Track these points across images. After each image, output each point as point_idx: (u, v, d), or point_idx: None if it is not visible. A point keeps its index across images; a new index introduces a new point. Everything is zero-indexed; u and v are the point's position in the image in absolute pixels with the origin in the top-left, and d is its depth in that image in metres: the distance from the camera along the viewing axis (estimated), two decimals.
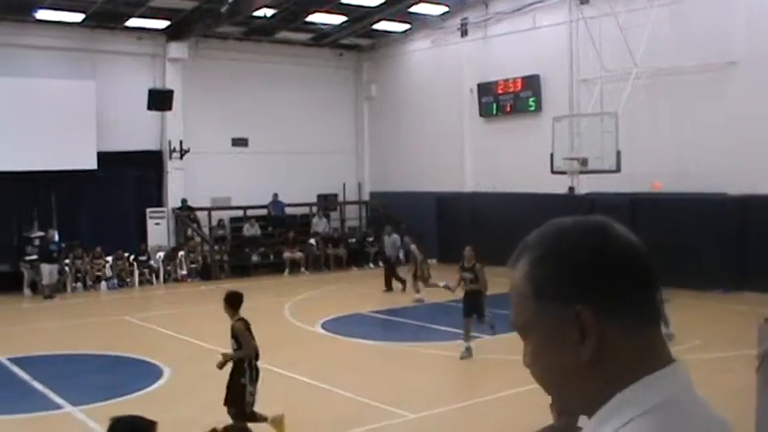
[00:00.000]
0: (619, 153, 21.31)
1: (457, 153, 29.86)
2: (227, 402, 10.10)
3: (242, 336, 10.10)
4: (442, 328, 17.69)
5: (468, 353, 14.52)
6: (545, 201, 23.68)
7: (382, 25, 30.80)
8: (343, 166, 33.44)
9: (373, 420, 11.16)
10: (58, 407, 12.05)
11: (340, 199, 33.36)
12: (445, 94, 30.08)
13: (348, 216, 33.35)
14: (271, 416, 10.23)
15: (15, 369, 14.62)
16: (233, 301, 10.37)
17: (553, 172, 23.27)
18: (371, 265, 29.76)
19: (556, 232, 1.65)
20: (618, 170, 21.39)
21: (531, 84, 27.22)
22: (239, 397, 10.05)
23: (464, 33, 29.36)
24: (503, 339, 14.79)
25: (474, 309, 14.77)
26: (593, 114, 22.73)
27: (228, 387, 10.16)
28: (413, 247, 23.52)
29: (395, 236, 25.13)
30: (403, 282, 23.52)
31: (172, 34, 28.95)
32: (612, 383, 1.55)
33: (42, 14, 26.20)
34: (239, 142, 31.16)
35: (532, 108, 27.25)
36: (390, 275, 24.05)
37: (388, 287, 23.90)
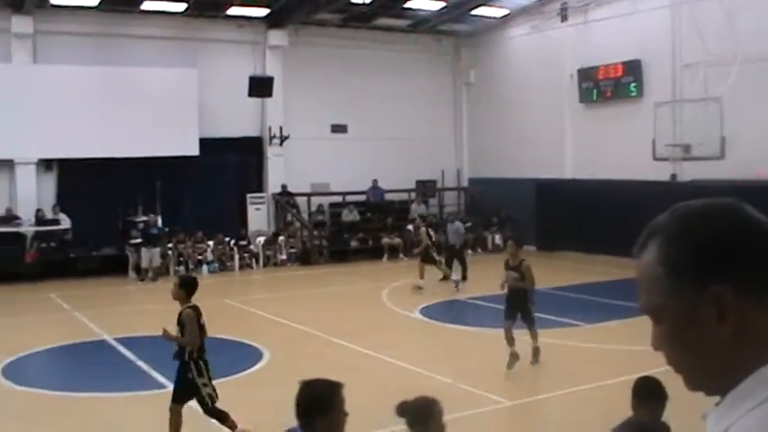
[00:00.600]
0: (723, 139, 20.84)
1: (556, 139, 29.49)
2: (176, 399, 9.69)
3: (189, 324, 9.48)
4: (544, 315, 17.49)
5: (513, 359, 13.01)
6: (646, 188, 23.21)
7: (481, 11, 30.54)
8: (442, 153, 33.34)
9: (470, 406, 11.12)
10: (162, 386, 12.29)
11: (438, 185, 33.30)
12: (545, 80, 29.72)
13: (446, 202, 33.29)
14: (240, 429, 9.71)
15: (121, 348, 15.03)
16: (187, 286, 9.77)
17: (655, 159, 22.88)
18: (470, 252, 29.68)
19: (686, 214, 1.64)
20: (722, 157, 20.89)
21: (633, 69, 26.68)
22: (196, 394, 9.57)
23: (564, 18, 28.95)
24: (603, 329, 14.62)
25: (517, 309, 13.43)
26: (697, 100, 22.24)
27: (179, 384, 9.71)
28: (422, 230, 23.16)
29: (458, 223, 24.30)
30: (463, 271, 22.75)
31: (272, 22, 29.27)
32: (750, 361, 1.54)
33: (147, 5, 26.88)
34: (338, 128, 31.35)
35: (633, 93, 26.72)
36: (450, 263, 22.92)
37: (445, 276, 22.64)
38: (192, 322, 9.48)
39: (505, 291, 13.49)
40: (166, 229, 26.71)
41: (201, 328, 9.68)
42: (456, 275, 22.11)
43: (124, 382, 12.62)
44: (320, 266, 27.15)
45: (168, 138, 27.21)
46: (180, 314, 9.59)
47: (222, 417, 9.62)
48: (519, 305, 13.25)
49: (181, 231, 26.89)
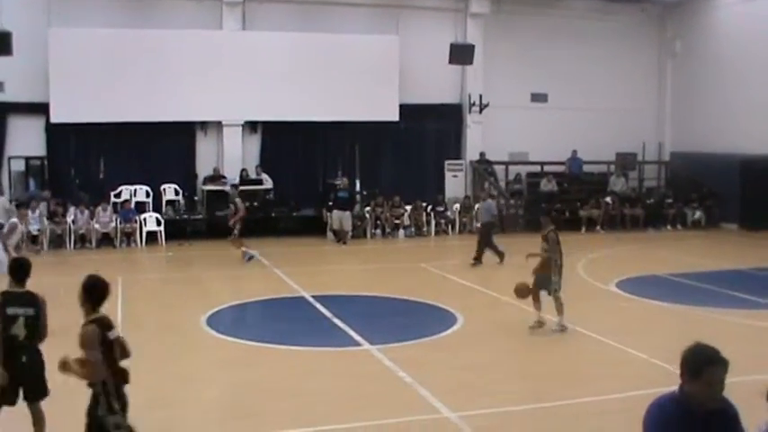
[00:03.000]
0: None
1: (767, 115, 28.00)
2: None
3: (89, 347, 6.49)
4: (745, 296, 16.75)
5: (536, 324, 13.39)
6: None
7: None
8: (643, 125, 32.21)
9: (662, 383, 10.72)
10: (357, 344, 12.56)
11: (639, 158, 32.34)
12: (757, 53, 28.17)
13: (647, 176, 32.35)
14: None
15: (319, 306, 15.41)
16: (92, 292, 6.73)
17: None
18: (669, 227, 28.79)
19: None
20: None
21: None
22: None
23: None
24: None
25: (542, 284, 13.46)
26: None
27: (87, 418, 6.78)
28: (238, 200, 22.02)
29: (489, 201, 22.82)
30: (500, 255, 21.15)
31: None
32: None
33: None
34: (538, 98, 30.91)
35: None
36: (483, 244, 21.30)
37: (478, 259, 21.06)
38: (91, 343, 6.51)
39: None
40: (364, 193, 27.26)
41: (111, 349, 6.70)
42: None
43: (320, 338, 12.95)
44: (515, 235, 26.90)
45: (369, 103, 27.67)
46: (80, 336, 6.57)
47: None
48: (543, 280, 13.48)
49: (379, 195, 27.30)
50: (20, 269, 7.90)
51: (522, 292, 13.52)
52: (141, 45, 26.42)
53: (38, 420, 7.93)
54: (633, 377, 10.71)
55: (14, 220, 13.18)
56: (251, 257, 21.15)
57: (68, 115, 25.85)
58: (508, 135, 29.60)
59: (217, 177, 27.00)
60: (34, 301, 7.76)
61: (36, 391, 7.86)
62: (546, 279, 13.44)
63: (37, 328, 7.74)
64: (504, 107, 29.54)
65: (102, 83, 25.91)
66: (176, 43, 26.65)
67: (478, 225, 22.13)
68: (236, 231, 21.41)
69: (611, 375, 10.95)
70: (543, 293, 13.54)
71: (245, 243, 21.47)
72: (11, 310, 7.64)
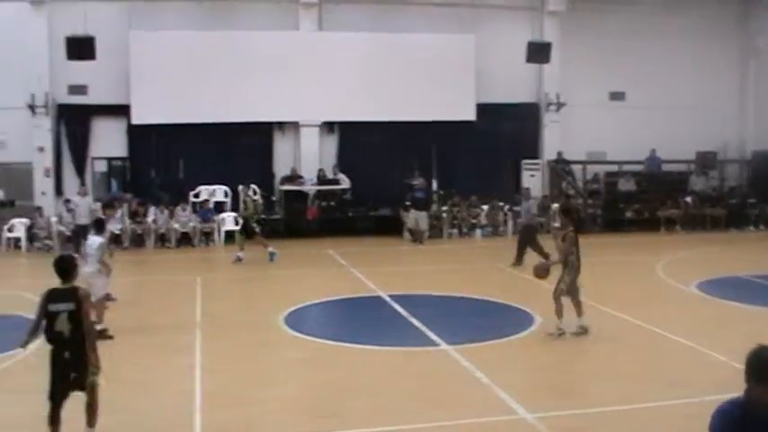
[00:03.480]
0: None
1: None
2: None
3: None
4: None
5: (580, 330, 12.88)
6: None
7: None
8: (724, 123, 31.47)
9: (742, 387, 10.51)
10: (434, 343, 12.53)
11: (720, 157, 31.71)
12: None
13: (728, 175, 31.73)
14: None
15: (396, 305, 15.45)
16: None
17: None
18: (752, 228, 28.23)
19: None
20: None
21: None
22: None
23: None
24: None
25: (573, 291, 13.12)
26: None
27: None
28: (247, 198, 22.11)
29: (530, 202, 22.24)
30: (544, 255, 19.55)
31: None
32: None
33: None
34: (616, 96, 30.60)
35: None
36: (522, 245, 20.90)
37: (518, 260, 20.63)
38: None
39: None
40: (441, 193, 27.29)
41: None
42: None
43: (397, 337, 12.95)
44: (593, 235, 26.68)
45: (445, 103, 27.77)
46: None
47: None
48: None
49: (455, 195, 27.30)
50: (60, 266, 7.97)
51: (539, 270, 13.54)
52: (219, 47, 26.97)
53: (88, 407, 8.02)
54: (714, 380, 10.50)
55: (102, 241, 13.46)
56: (239, 259, 21.24)
57: (149, 117, 26.50)
58: (586, 134, 29.36)
59: (294, 177, 27.31)
60: (75, 296, 7.80)
61: (78, 384, 7.90)
62: (573, 284, 13.07)
63: (80, 323, 7.74)
64: (581, 106, 29.36)
65: (182, 85, 26.47)
66: (254, 45, 27.13)
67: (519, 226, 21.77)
68: (257, 230, 21.81)
69: (691, 378, 10.76)
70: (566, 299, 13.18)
71: (265, 242, 21.72)
72: (52, 307, 7.72)
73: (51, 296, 7.80)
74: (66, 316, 7.68)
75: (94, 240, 13.46)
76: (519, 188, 28.65)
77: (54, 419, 7.77)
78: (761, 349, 4.57)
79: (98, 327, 13.33)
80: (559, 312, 12.88)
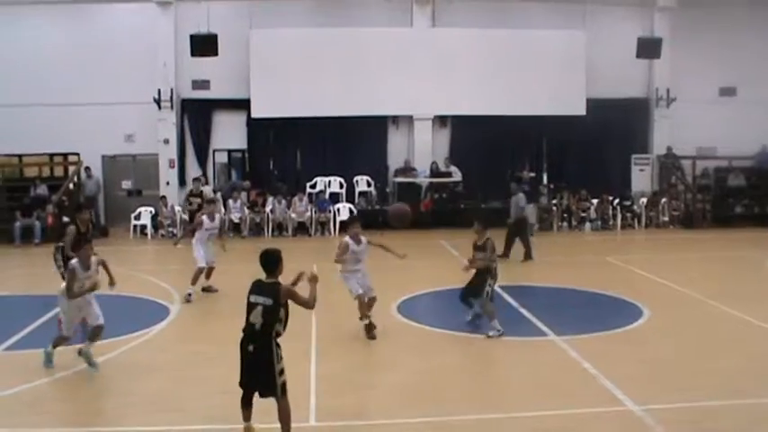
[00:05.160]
0: None
1: None
2: None
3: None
4: None
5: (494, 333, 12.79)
6: None
7: None
8: None
9: None
10: (543, 334, 12.89)
11: None
12: None
13: None
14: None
15: (505, 295, 15.82)
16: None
17: None
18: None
19: None
20: None
21: None
22: None
23: None
24: None
25: (471, 293, 13.29)
26: None
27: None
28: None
29: (520, 195, 21.75)
30: (528, 252, 20.87)
31: None
32: None
33: None
34: (727, 91, 30.26)
35: None
36: (511, 239, 21.13)
37: (506, 253, 20.69)
38: None
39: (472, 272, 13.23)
40: (551, 186, 27.54)
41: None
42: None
43: (506, 327, 12.99)
44: (702, 231, 26.65)
45: (555, 97, 27.96)
46: None
47: None
48: (475, 289, 13.15)
49: (565, 189, 27.53)
50: (264, 260, 8.21)
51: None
52: (336, 43, 27.76)
53: (280, 416, 8.09)
54: None
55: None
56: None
57: (268, 110, 27.45)
58: (696, 129, 29.16)
59: (408, 170, 27.94)
60: (275, 292, 7.94)
61: (263, 385, 8.04)
62: (480, 288, 13.06)
63: (273, 319, 7.92)
64: (691, 101, 29.19)
65: (299, 79, 27.36)
66: (369, 41, 27.87)
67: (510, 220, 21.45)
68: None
69: None
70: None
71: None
72: (252, 298, 8.00)
73: (254, 287, 8.09)
74: (261, 310, 7.92)
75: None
76: (628, 182, 28.92)
77: (244, 404, 8.18)
78: None
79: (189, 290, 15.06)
80: (492, 314, 12.95)
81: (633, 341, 12.64)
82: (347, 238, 13.12)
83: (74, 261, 10.91)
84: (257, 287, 8.09)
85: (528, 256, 20.87)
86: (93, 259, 11.13)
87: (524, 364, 11.37)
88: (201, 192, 25.21)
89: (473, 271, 13.21)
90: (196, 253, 16.31)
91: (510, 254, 20.98)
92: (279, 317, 7.96)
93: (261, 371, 7.94)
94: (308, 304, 8.22)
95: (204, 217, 16.62)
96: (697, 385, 10.19)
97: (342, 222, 24.67)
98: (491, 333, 12.77)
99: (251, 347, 7.95)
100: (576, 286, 17.21)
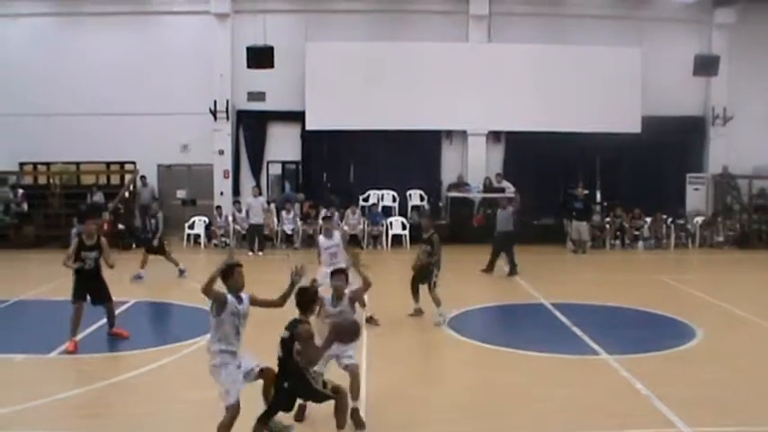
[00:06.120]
0: None
1: None
2: None
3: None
4: None
5: (415, 312, 15.38)
6: None
7: None
8: None
9: None
10: (595, 352, 12.82)
11: None
12: None
13: None
14: None
15: (557, 313, 15.82)
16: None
17: None
18: None
19: None
20: None
21: None
22: None
23: None
24: None
25: (420, 280, 15.32)
26: None
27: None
28: (160, 214, 20.85)
29: (509, 209, 21.55)
30: (512, 267, 20.90)
31: (719, 0, 28.64)
32: None
33: None
34: None
35: None
36: (496, 252, 21.19)
37: (490, 267, 21.07)
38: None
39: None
40: (604, 203, 27.43)
41: None
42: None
43: (558, 345, 13.21)
44: (758, 251, 26.30)
45: (610, 115, 27.86)
46: None
47: None
48: (423, 278, 15.24)
49: (618, 206, 27.37)
50: (297, 298, 8.44)
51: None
52: (390, 57, 27.91)
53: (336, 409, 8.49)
54: None
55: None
56: (139, 277, 19.81)
57: (322, 123, 27.68)
58: (752, 148, 28.84)
59: (461, 184, 27.99)
60: (294, 328, 8.14)
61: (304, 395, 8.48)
62: (428, 274, 15.11)
63: (290, 351, 8.14)
64: (748, 120, 28.94)
65: (353, 93, 27.56)
66: (424, 55, 27.97)
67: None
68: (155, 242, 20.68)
69: None
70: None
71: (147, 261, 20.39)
72: (282, 333, 8.25)
73: (288, 324, 8.27)
74: (280, 342, 8.19)
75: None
76: (683, 201, 28.65)
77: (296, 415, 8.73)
78: None
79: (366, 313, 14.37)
80: (438, 301, 14.85)
81: (686, 362, 12.53)
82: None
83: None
84: (288, 323, 8.31)
85: (513, 271, 20.91)
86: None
87: (576, 383, 11.34)
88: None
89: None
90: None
91: (494, 269, 21.17)
92: (293, 351, 8.12)
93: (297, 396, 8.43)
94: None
95: (321, 236, 15.62)
96: (750, 409, 10.10)
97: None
98: (436, 320, 14.62)
99: (285, 384, 8.24)
100: (629, 305, 17.07)
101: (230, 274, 8.19)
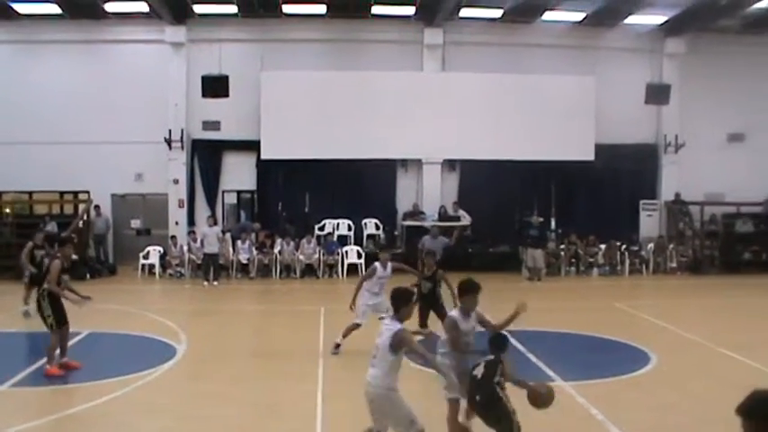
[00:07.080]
0: None
1: None
2: None
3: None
4: None
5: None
6: None
7: None
8: None
9: None
10: (550, 379, 12.72)
11: None
12: None
13: None
14: None
15: (513, 340, 15.73)
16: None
17: None
18: None
19: None
20: None
21: None
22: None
23: None
24: None
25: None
26: None
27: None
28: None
29: (441, 238, 22.05)
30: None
31: (669, 30, 29.07)
32: None
33: (547, 15, 27.97)
34: (735, 137, 30.45)
35: None
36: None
37: None
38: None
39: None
40: (559, 231, 27.62)
41: None
42: None
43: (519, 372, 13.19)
44: (710, 277, 26.64)
45: (565, 143, 28.18)
46: None
47: None
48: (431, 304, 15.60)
49: (573, 233, 27.57)
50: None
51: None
52: (346, 86, 28.01)
53: None
54: None
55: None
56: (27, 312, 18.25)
57: (277, 152, 27.68)
58: (704, 175, 29.36)
59: (416, 213, 28.03)
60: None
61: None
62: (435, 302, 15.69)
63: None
64: (699, 147, 29.46)
65: (309, 122, 27.59)
66: (379, 84, 28.09)
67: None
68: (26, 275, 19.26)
69: None
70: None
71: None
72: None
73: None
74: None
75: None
76: (636, 227, 28.95)
77: None
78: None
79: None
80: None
81: (641, 387, 12.59)
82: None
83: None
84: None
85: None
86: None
87: (531, 409, 11.30)
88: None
89: None
90: (360, 304, 14.93)
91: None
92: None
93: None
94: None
95: (377, 264, 15.22)
96: None
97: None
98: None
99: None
100: (584, 331, 17.17)
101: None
